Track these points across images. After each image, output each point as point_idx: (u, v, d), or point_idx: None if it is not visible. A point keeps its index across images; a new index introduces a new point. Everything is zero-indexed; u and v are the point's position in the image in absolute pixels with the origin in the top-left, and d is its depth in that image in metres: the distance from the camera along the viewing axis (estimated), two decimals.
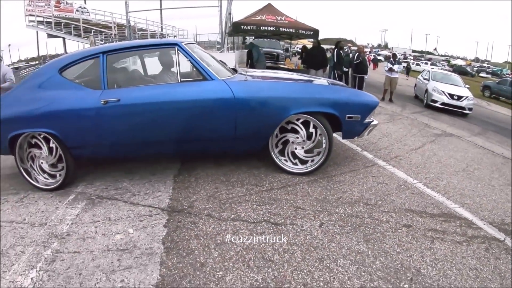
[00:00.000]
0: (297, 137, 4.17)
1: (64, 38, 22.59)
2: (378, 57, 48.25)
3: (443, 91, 12.98)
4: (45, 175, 4.03)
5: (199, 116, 3.84)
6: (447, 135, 8.86)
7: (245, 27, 12.58)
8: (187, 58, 3.86)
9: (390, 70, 12.79)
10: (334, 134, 4.79)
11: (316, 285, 2.65)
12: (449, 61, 74.64)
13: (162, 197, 3.88)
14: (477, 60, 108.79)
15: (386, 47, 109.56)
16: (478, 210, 4.34)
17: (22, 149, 3.95)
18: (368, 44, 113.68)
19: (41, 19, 22.70)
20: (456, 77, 15.54)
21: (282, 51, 19.19)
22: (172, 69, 4.17)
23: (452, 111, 12.84)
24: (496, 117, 16.71)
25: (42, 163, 3.98)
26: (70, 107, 3.72)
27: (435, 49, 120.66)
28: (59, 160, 3.94)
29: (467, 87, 14.53)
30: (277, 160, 4.32)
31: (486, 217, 4.18)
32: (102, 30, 21.82)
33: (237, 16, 15.67)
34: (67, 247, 3.01)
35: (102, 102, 3.65)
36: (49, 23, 22.27)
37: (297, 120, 4.09)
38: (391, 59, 13.66)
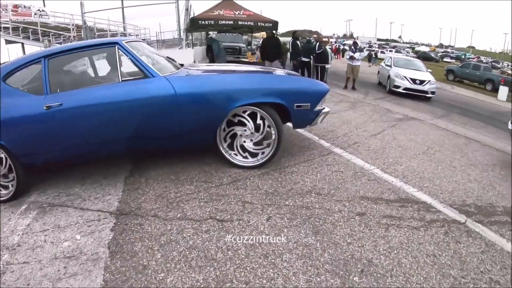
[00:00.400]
0: (245, 130, 4.09)
1: (22, 44, 21.63)
2: (343, 47, 48.76)
3: (405, 76, 13.18)
4: None
5: (142, 115, 3.76)
6: (408, 119, 8.90)
7: (202, 22, 12.70)
8: (127, 56, 3.79)
9: (352, 58, 12.97)
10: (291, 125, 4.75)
11: (259, 282, 2.56)
12: (413, 48, 76.71)
13: (112, 200, 3.74)
14: (441, 46, 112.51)
15: (351, 36, 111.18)
16: (438, 193, 4.28)
17: None
18: (334, 34, 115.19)
19: None
20: (418, 62, 16.28)
21: (244, 45, 19.13)
22: (114, 67, 4.01)
23: (415, 95, 13.10)
24: (459, 100, 17.07)
25: None
26: (14, 115, 3.63)
27: (399, 37, 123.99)
28: (9, 170, 3.78)
29: (429, 72, 14.73)
30: (226, 155, 4.24)
31: (446, 200, 4.13)
32: (61, 32, 21.03)
33: (198, 12, 15.64)
34: (17, 258, 2.90)
35: (45, 108, 3.56)
36: (6, 28, 21.26)
37: (244, 112, 4.02)
38: (352, 47, 13.70)
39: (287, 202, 3.63)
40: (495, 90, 22.56)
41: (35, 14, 25.01)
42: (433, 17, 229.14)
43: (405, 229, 3.35)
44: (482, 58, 70.03)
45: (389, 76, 13.92)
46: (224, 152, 4.24)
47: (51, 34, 20.84)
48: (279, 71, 5.36)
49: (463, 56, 62.73)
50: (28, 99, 3.72)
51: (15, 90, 3.78)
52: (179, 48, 15.82)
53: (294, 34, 12.87)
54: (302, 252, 2.88)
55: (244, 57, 17.07)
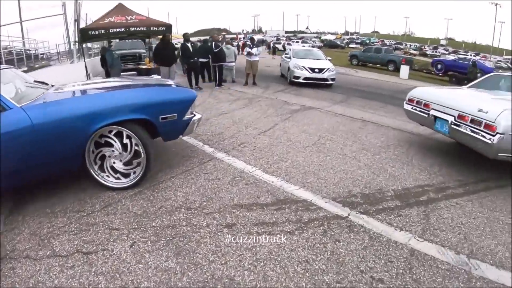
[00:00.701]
0: (113, 151, 3.86)
1: None
2: (248, 42, 49.12)
3: (303, 67, 13.38)
4: None
5: (5, 151, 3.33)
6: (305, 109, 8.93)
7: (93, 32, 11.74)
8: None
9: (249, 54, 12.87)
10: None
11: None
12: (320, 37, 79.67)
13: None
14: (347, 33, 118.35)
15: (260, 31, 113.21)
16: (321, 187, 4.15)
17: None
18: (243, 30, 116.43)
19: None
20: (318, 51, 16.75)
21: (144, 51, 18.36)
22: None
23: (316, 84, 13.35)
24: (363, 83, 17.72)
25: None
26: None
27: (307, 28, 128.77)
28: None
29: (329, 59, 15.04)
30: (98, 178, 3.95)
31: (330, 193, 4.00)
32: None
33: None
34: None
35: None
36: None
37: (110, 132, 3.78)
38: (249, 42, 13.48)
39: (154, 223, 3.33)
40: (397, 70, 23.73)
41: None
42: (337, 6, 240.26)
43: (278, 235, 3.11)
44: (386, 41, 74.93)
45: (289, 68, 14.05)
46: (95, 175, 3.94)
47: None
48: (150, 81, 5.25)
49: (367, 41, 66.31)
50: None
51: None
52: (71, 63, 14.71)
53: (184, 36, 12.44)
54: (161, 279, 2.61)
55: (143, 63, 16.38)
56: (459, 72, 23.19)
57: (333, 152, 5.34)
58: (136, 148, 3.87)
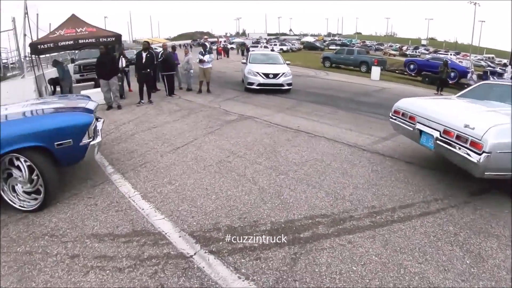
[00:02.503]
0: (20, 176, 3.92)
1: None
2: (230, 45, 48.93)
3: (257, 72, 12.84)
4: None
5: None
6: (241, 119, 8.59)
7: (42, 46, 11.70)
8: None
9: (201, 61, 12.56)
10: None
11: None
12: (300, 39, 79.53)
13: None
14: (329, 35, 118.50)
15: (243, 34, 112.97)
16: (188, 217, 3.81)
17: None
18: (226, 33, 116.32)
19: None
20: (276, 55, 16.33)
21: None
22: None
23: (273, 89, 12.94)
24: (326, 86, 17.12)
25: None
26: None
27: (290, 30, 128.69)
28: None
29: (287, 63, 14.57)
30: (6, 198, 4.02)
31: (192, 225, 3.66)
32: None
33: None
34: None
35: None
36: None
37: (17, 159, 3.86)
38: (202, 50, 13.02)
39: (18, 249, 3.34)
40: (370, 71, 23.43)
41: None
42: (319, 8, 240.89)
43: (108, 271, 2.95)
44: (368, 42, 75.14)
45: (244, 74, 13.44)
46: (5, 196, 4.02)
47: None
48: (65, 103, 5.33)
49: (348, 43, 66.03)
50: None
51: None
52: (21, 77, 14.39)
53: (143, 45, 11.81)
54: None
55: None
56: (432, 72, 22.67)
57: (232, 172, 4.90)
58: (35, 178, 3.90)
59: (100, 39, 11.97)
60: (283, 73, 13.33)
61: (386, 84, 18.65)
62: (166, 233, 3.47)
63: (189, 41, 42.22)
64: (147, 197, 4.26)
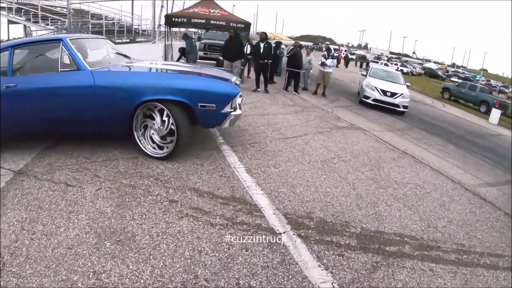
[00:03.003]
0: (154, 123, 4.43)
1: (24, 25, 21.55)
2: (350, 56, 48.04)
3: (375, 87, 12.31)
4: None
5: (70, 100, 4.37)
6: (351, 128, 8.47)
7: (176, 19, 12.94)
8: (67, 51, 4.37)
9: (323, 64, 12.46)
10: None
11: None
12: (422, 64, 75.20)
13: None
14: (453, 65, 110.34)
15: (365, 47, 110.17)
16: (285, 200, 3.95)
17: None
18: (348, 43, 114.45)
19: (4, 4, 21.31)
20: (397, 74, 15.34)
21: None
22: (56, 60, 4.54)
23: (388, 108, 12.24)
24: (442, 118, 16.08)
25: None
26: None
27: (414, 52, 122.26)
28: None
29: (407, 85, 13.86)
30: (140, 144, 4.61)
31: (287, 208, 3.78)
32: (58, 18, 20.87)
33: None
34: None
35: (4, 87, 4.28)
36: (10, 9, 21.15)
37: (155, 107, 4.36)
38: (325, 53, 12.99)
39: (123, 181, 3.94)
40: (489, 113, 21.40)
41: None
42: (447, 35, 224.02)
43: (200, 222, 3.28)
44: (492, 81, 68.28)
45: (361, 86, 13.06)
46: (138, 141, 4.62)
47: (49, 19, 20.82)
48: (211, 72, 5.58)
49: (472, 78, 60.93)
50: None
51: None
52: (153, 43, 16.01)
53: (260, 36, 12.22)
54: (93, 216, 3.23)
55: None
56: None
57: (335, 173, 4.93)
58: (172, 127, 4.32)
59: (231, 24, 12.62)
60: (402, 94, 12.63)
61: (503, 130, 16.93)
62: (262, 207, 3.63)
63: (310, 44, 42.10)
64: (250, 172, 4.47)
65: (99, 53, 5.24)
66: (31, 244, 2.70)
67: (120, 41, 20.18)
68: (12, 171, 3.96)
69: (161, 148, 4.52)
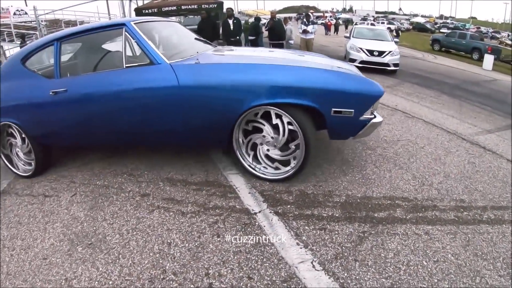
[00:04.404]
0: (263, 136, 3.28)
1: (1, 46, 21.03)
2: (341, 22, 47.21)
3: (360, 48, 11.52)
4: (22, 162, 4.13)
5: (143, 107, 3.29)
6: None
7: (146, 11, 12.72)
8: (134, 39, 3.33)
9: (305, 31, 12.38)
10: None
11: None
12: (409, 20, 74.09)
13: None
14: (441, 17, 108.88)
15: (350, 10, 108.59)
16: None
17: (3, 136, 4.05)
18: (333, 9, 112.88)
19: None
20: (383, 31, 14.69)
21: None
22: (119, 52, 3.58)
23: (379, 70, 11.43)
24: (433, 69, 15.51)
25: (18, 151, 4.10)
26: (27, 97, 3.71)
27: (400, 9, 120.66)
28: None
29: (396, 41, 13.30)
30: (252, 170, 3.54)
31: (264, 185, 3.49)
32: (33, 32, 20.11)
33: None
34: None
35: (51, 93, 3.49)
36: None
37: (255, 115, 3.21)
38: (305, 20, 12.50)
39: (98, 182, 3.78)
40: (482, 59, 20.95)
41: (14, 14, 25.04)
42: None
43: (171, 213, 3.13)
44: (483, 28, 67.29)
45: (346, 49, 12.34)
46: (249, 168, 3.55)
47: (25, 34, 19.77)
48: (317, 60, 3.99)
49: (462, 27, 59.96)
50: (39, 82, 3.68)
51: (30, 73, 3.79)
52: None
53: (227, 12, 11.61)
54: (67, 222, 3.11)
55: None
56: None
57: (318, 140, 4.50)
58: (291, 127, 3.17)
59: (202, 5, 12.30)
60: (390, 52, 11.85)
61: (498, 75, 16.47)
62: (236, 188, 3.36)
63: (294, 15, 41.33)
64: (226, 152, 4.16)
65: (171, 40, 4.07)
66: (11, 260, 2.65)
67: None
68: None
69: (285, 163, 3.41)
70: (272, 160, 3.37)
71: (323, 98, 3.04)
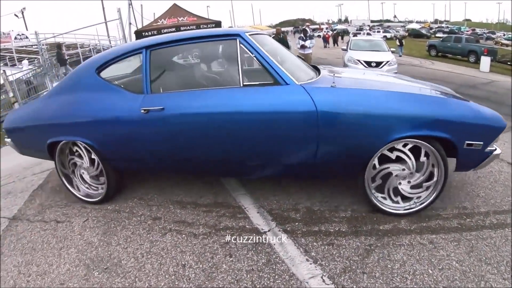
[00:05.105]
0: (403, 169, 3.00)
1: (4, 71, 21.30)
2: (333, 33, 47.58)
3: (358, 60, 11.60)
4: (86, 185, 3.79)
5: (265, 134, 2.90)
6: None
7: (146, 33, 13.07)
8: (252, 53, 2.94)
9: (303, 47, 12.10)
10: None
11: None
12: (404, 26, 74.61)
13: None
14: (436, 21, 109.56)
15: (346, 21, 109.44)
16: (270, 195, 3.79)
17: (64, 154, 3.71)
18: (328, 20, 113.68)
19: None
20: (380, 42, 14.89)
21: None
22: (234, 68, 3.12)
23: None
24: (430, 76, 15.54)
25: (83, 173, 3.73)
26: (106, 114, 3.18)
27: (395, 17, 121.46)
28: (101, 173, 3.56)
29: (392, 51, 13.52)
30: (372, 197, 3.19)
31: (272, 203, 3.63)
32: (34, 56, 20.25)
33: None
34: None
35: (143, 111, 3.01)
36: None
37: (404, 146, 2.92)
38: (302, 35, 12.71)
39: (109, 207, 3.75)
40: (479, 62, 21.15)
41: (15, 38, 25.19)
42: None
43: (184, 236, 3.18)
44: (478, 30, 67.73)
45: (344, 62, 12.44)
46: (370, 194, 3.19)
47: (26, 58, 20.00)
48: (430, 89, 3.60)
49: (457, 30, 60.37)
50: (123, 97, 3.17)
51: (110, 85, 3.30)
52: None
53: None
54: (82, 248, 2.96)
55: None
56: None
57: None
58: (431, 169, 3.02)
59: (201, 26, 12.61)
60: (387, 62, 11.94)
61: (496, 76, 16.56)
62: (245, 208, 3.47)
63: (290, 28, 41.64)
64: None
65: (283, 56, 3.53)
66: (27, 286, 2.67)
67: None
68: (7, 218, 3.79)
69: (406, 199, 3.19)
70: (396, 193, 3.14)
71: (459, 131, 2.87)
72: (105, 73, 3.34)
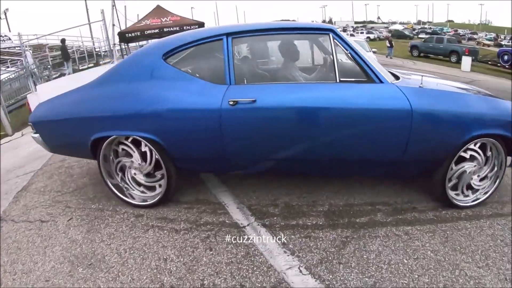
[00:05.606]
0: (475, 165, 3.12)
1: None
2: None
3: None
4: (141, 188, 3.41)
5: (359, 130, 2.88)
6: None
7: (129, 34, 13.26)
8: (347, 50, 2.90)
9: None
10: None
11: None
12: (388, 27, 75.49)
13: None
14: (419, 22, 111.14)
15: (330, 22, 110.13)
16: (250, 191, 3.86)
17: (108, 162, 3.33)
18: (313, 21, 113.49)
19: None
20: (361, 43, 14.98)
21: None
22: (328, 63, 3.11)
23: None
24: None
25: (135, 174, 3.32)
26: (180, 106, 2.87)
27: (378, 18, 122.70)
28: (156, 168, 3.21)
29: (374, 51, 13.74)
30: (450, 197, 3.29)
31: (251, 199, 3.69)
32: (17, 58, 20.08)
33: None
34: None
35: (231, 103, 2.78)
36: None
37: (475, 144, 3.03)
38: None
39: (93, 206, 3.67)
40: (460, 61, 21.63)
41: None
42: None
43: (165, 231, 3.22)
44: (460, 31, 68.93)
45: None
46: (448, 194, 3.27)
47: (8, 60, 19.68)
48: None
49: (440, 31, 61.35)
50: (201, 87, 2.90)
51: (182, 74, 2.97)
52: (111, 63, 15.78)
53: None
54: (66, 246, 3.08)
55: None
56: None
57: None
58: (495, 161, 3.18)
59: (184, 27, 12.78)
60: None
61: (477, 76, 16.96)
62: (225, 204, 3.54)
63: None
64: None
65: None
66: (13, 284, 2.66)
67: (84, 67, 19.77)
68: None
69: (474, 191, 3.32)
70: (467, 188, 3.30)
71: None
72: (176, 61, 3.05)
